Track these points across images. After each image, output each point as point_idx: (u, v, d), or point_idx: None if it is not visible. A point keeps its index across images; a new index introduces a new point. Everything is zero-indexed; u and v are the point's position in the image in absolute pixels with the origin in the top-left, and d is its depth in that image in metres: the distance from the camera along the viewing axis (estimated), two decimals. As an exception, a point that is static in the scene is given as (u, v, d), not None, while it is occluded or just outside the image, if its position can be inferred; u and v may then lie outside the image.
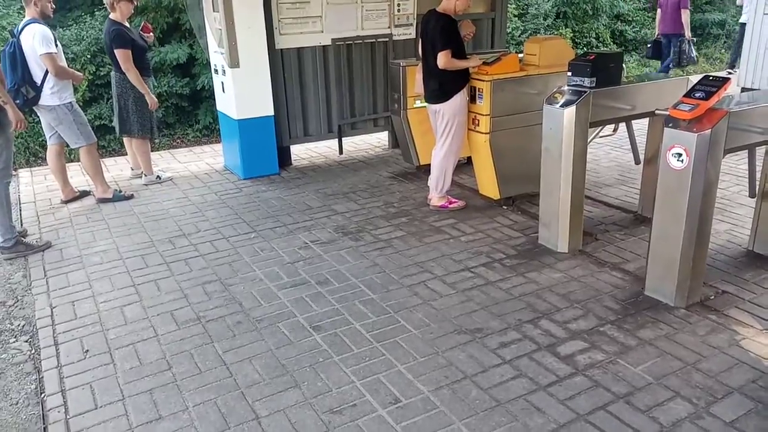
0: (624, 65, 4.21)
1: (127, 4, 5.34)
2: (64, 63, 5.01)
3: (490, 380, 2.80)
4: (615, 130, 5.11)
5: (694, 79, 3.51)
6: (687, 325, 3.18)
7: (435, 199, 4.91)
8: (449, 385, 2.77)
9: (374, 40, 6.16)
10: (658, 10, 9.68)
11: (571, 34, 11.97)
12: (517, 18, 11.25)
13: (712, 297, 3.45)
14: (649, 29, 13.18)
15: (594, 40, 12.26)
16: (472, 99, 4.67)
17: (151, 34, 5.88)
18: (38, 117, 5.37)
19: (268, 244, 4.35)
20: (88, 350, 3.14)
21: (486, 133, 4.65)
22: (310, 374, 2.88)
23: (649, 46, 10.13)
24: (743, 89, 8.09)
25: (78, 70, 5.59)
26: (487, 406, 2.63)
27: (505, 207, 4.90)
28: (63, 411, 2.71)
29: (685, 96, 3.19)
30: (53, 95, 4.87)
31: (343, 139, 6.42)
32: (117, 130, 5.78)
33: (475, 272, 3.83)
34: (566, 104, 3.81)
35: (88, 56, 7.54)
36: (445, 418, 2.57)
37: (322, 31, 5.86)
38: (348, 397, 2.71)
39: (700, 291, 3.41)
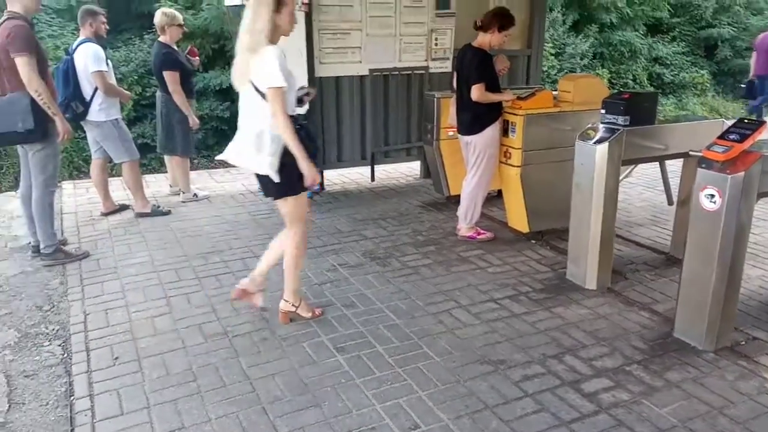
0: (660, 106, 4.22)
1: (177, 29, 5.58)
2: (113, 81, 5.24)
3: (511, 413, 2.78)
4: (629, 173, 5.06)
5: (729, 122, 3.50)
6: (715, 369, 3.12)
7: (464, 229, 4.94)
8: (469, 415, 2.76)
9: (411, 72, 6.28)
10: (754, 53, 9.72)
11: (608, 75, 11.99)
12: (553, 57, 11.33)
13: (743, 342, 3.38)
14: (687, 72, 13.13)
15: (630, 81, 12.26)
16: (505, 132, 4.72)
17: (197, 58, 6.10)
18: (84, 132, 5.60)
19: (297, 265, 4.42)
20: (117, 357, 3.23)
21: (517, 167, 4.68)
22: (332, 394, 2.90)
23: (743, 86, 10.21)
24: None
25: (125, 90, 5.81)
26: (507, 437, 2.62)
27: (533, 241, 4.89)
28: (90, 415, 2.78)
29: (719, 138, 3.18)
30: (101, 111, 5.08)
31: (375, 166, 6.51)
32: (159, 147, 5.97)
33: (501, 304, 3.83)
34: (599, 141, 3.83)
35: (136, 77, 7.85)
36: (464, 446, 2.56)
37: (361, 62, 6.01)
38: (367, 420, 2.73)
39: (730, 336, 3.35)
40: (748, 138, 3.06)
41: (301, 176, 3.17)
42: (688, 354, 3.27)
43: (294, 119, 3.15)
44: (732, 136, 3.11)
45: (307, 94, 3.52)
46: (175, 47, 5.67)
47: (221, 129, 8.35)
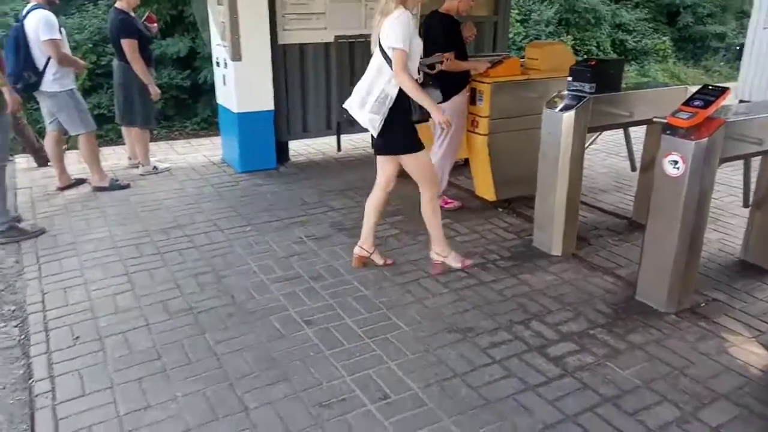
0: (624, 73, 4.23)
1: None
2: (67, 50, 5.01)
3: (479, 379, 2.81)
4: (594, 140, 5.12)
5: (694, 88, 3.53)
6: (677, 331, 3.20)
7: (431, 198, 4.92)
8: (439, 383, 2.78)
9: (376, 39, 6.16)
10: None
11: (572, 42, 12.02)
12: (519, 23, 11.29)
13: (703, 304, 3.47)
14: (649, 39, 13.24)
15: (594, 48, 12.32)
16: (472, 101, 4.69)
17: (156, 24, 5.88)
18: (37, 104, 5.36)
19: (262, 237, 4.36)
20: (78, 337, 3.14)
21: (485, 135, 4.66)
22: (301, 368, 2.88)
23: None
24: (741, 101, 8.14)
25: (80, 59, 5.58)
26: (476, 404, 2.64)
27: (500, 209, 4.91)
28: (50, 397, 2.70)
29: (683, 104, 3.21)
30: (55, 82, 4.87)
31: (341, 136, 6.42)
32: (118, 119, 5.77)
33: (469, 272, 3.84)
34: (566, 108, 3.83)
35: (90, 45, 7.55)
36: (434, 415, 2.58)
37: (326, 28, 5.87)
38: (337, 392, 2.72)
39: (690, 298, 3.43)
40: (711, 104, 3.09)
41: (409, 134, 3.45)
42: (650, 317, 3.34)
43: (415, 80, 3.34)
44: (696, 103, 3.13)
45: (441, 62, 3.97)
46: (132, 13, 5.44)
47: (181, 98, 8.13)
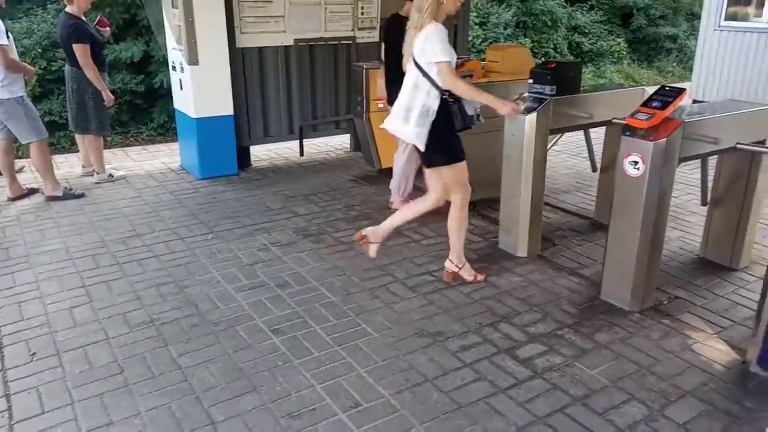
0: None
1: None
2: (15, 56, 4.83)
3: (450, 383, 2.79)
4: (556, 142, 5.20)
5: (650, 89, 3.60)
6: (641, 329, 3.25)
7: (397, 202, 4.90)
8: (410, 389, 2.75)
9: (337, 42, 6.14)
10: None
11: (531, 44, 12.20)
12: (477, 26, 11.40)
13: (665, 302, 3.54)
14: (604, 41, 13.54)
15: (552, 50, 12.54)
16: (435, 103, 4.68)
17: (108, 28, 5.72)
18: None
19: (226, 245, 4.27)
20: (35, 353, 3.01)
21: (448, 138, 4.66)
22: (269, 378, 2.82)
23: None
24: (694, 101, 8.38)
25: (29, 65, 5.38)
26: (448, 409, 2.63)
27: (465, 211, 4.92)
28: (7, 416, 2.58)
29: (642, 105, 3.26)
30: (3, 89, 4.69)
31: (304, 140, 6.37)
32: (71, 126, 5.59)
33: (436, 276, 3.84)
34: (527, 111, 3.86)
35: (39, 50, 7.30)
36: (406, 421, 2.55)
37: (285, 32, 5.81)
38: (307, 401, 2.67)
39: (653, 296, 3.50)
40: (669, 105, 3.15)
41: (452, 145, 3.43)
42: (615, 315, 3.39)
43: (450, 93, 3.34)
44: (654, 104, 3.19)
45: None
46: (84, 18, 5.28)
47: (136, 104, 7.93)
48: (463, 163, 3.52)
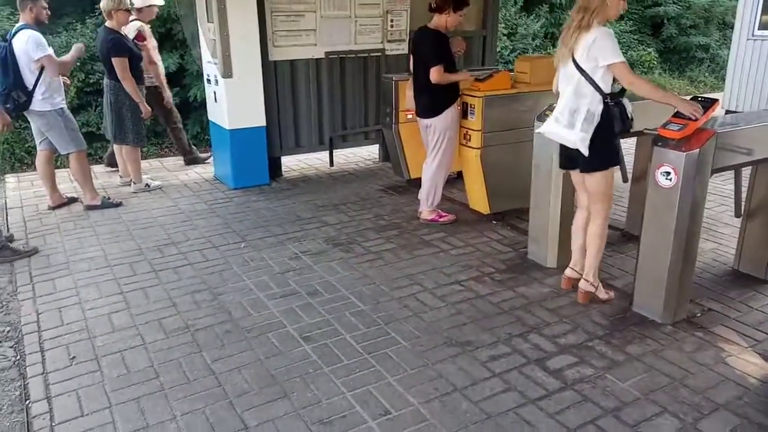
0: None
1: (125, 14, 5.36)
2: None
3: (480, 393, 2.80)
4: None
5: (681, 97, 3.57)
6: (674, 342, 3.22)
7: (425, 212, 4.94)
8: (439, 398, 2.77)
9: (367, 55, 6.21)
10: None
11: (560, 54, 12.13)
12: (506, 37, 11.40)
13: (699, 314, 3.49)
14: (635, 51, 13.41)
15: (582, 60, 12.44)
16: (464, 114, 4.72)
17: (146, 42, 5.88)
18: (26, 123, 5.34)
19: (258, 254, 4.34)
20: (74, 357, 3.11)
21: (477, 149, 4.69)
22: (300, 385, 2.87)
23: None
24: (727, 111, 8.25)
25: (68, 78, 5.57)
26: (477, 418, 2.63)
27: (495, 222, 4.93)
28: (48, 418, 2.67)
29: (674, 116, 3.25)
30: (44, 101, 4.85)
31: (334, 151, 6.45)
32: (111, 137, 5.76)
33: (465, 285, 3.85)
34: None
35: (78, 63, 7.50)
36: (435, 430, 2.57)
37: (316, 44, 5.90)
38: (338, 408, 2.70)
39: (686, 308, 3.46)
40: (702, 116, 3.13)
41: (611, 151, 3.38)
42: (647, 327, 3.36)
43: (612, 95, 3.30)
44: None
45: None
46: (122, 32, 5.45)
47: (172, 116, 8.09)
48: (613, 172, 3.47)
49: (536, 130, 3.60)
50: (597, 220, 3.54)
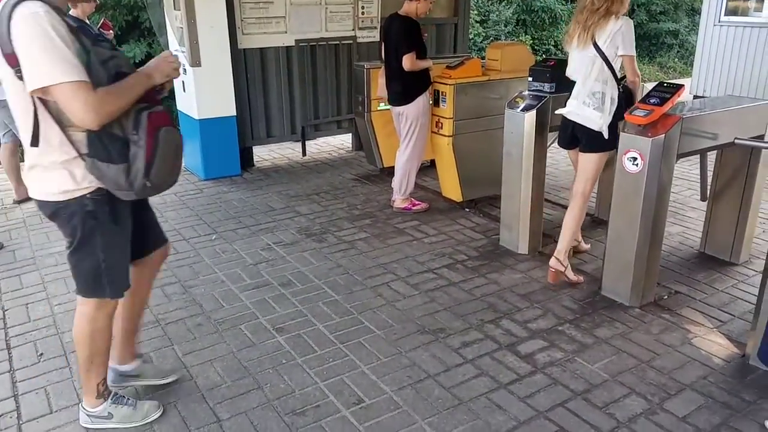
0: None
1: (89, 3, 5.21)
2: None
3: (452, 379, 2.83)
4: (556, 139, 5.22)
5: (649, 86, 3.62)
6: (641, 324, 3.28)
7: (398, 201, 4.94)
8: (412, 385, 2.79)
9: (338, 42, 6.17)
10: None
11: (531, 42, 12.21)
12: (478, 24, 11.42)
13: (666, 297, 3.56)
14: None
15: (553, 47, 12.54)
16: (436, 102, 4.72)
17: (111, 31, 5.76)
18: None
19: (229, 245, 4.31)
20: (42, 353, 3.05)
21: (449, 137, 4.70)
22: (273, 376, 2.86)
23: None
24: (695, 97, 8.39)
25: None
26: (450, 404, 2.66)
27: (467, 209, 4.96)
28: (15, 416, 2.62)
29: (640, 102, 3.29)
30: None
31: (306, 141, 6.41)
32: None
33: (438, 273, 3.87)
34: (527, 108, 3.89)
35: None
36: (409, 417, 2.59)
37: (286, 32, 5.84)
38: (311, 398, 2.70)
39: (653, 291, 3.52)
40: (667, 101, 3.17)
41: (614, 134, 3.41)
42: (615, 311, 3.42)
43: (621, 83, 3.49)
44: (652, 100, 3.21)
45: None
46: (87, 21, 5.31)
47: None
48: (607, 153, 3.57)
49: (557, 112, 3.67)
50: (578, 200, 3.65)
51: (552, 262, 3.68)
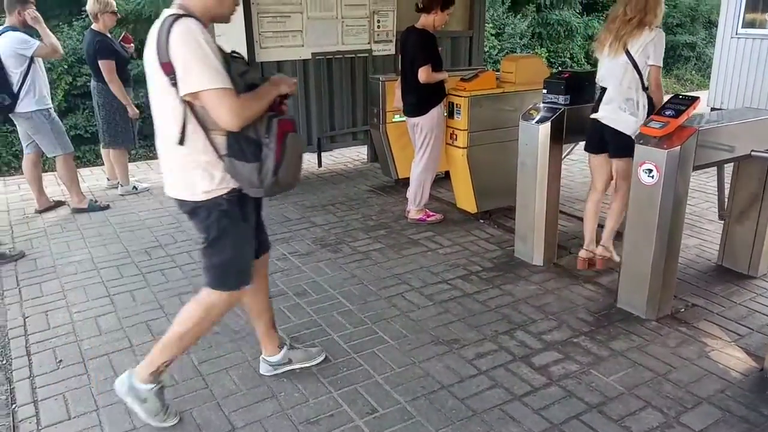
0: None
1: (111, 16, 5.36)
2: (43, 72, 4.99)
3: (466, 390, 2.83)
4: (571, 151, 5.23)
5: (666, 98, 3.62)
6: (658, 337, 3.25)
7: (413, 212, 4.96)
8: (426, 396, 2.79)
9: (354, 56, 6.23)
10: None
11: (546, 54, 12.22)
12: (494, 37, 11.45)
13: (682, 310, 3.53)
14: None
15: (568, 59, 12.54)
16: (450, 114, 4.75)
17: (132, 45, 5.87)
18: (13, 126, 5.32)
19: (245, 255, 4.34)
20: (61, 360, 3.10)
21: (463, 148, 4.72)
22: (287, 385, 2.88)
23: None
24: (712, 109, 8.33)
25: (54, 80, 5.55)
26: (464, 415, 2.66)
27: (481, 220, 4.96)
28: (35, 422, 2.67)
29: (656, 114, 3.29)
30: (30, 101, 4.82)
31: (322, 152, 6.46)
32: (100, 139, 5.74)
33: (452, 284, 3.87)
34: (541, 120, 3.90)
35: (66, 66, 7.49)
36: (422, 428, 2.59)
37: (303, 45, 5.91)
38: (325, 408, 2.72)
39: (670, 304, 3.50)
40: (683, 113, 3.17)
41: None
42: (631, 323, 3.39)
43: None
44: (668, 112, 3.21)
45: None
46: (109, 35, 5.44)
47: (160, 118, 8.08)
48: None
49: (593, 116, 3.75)
50: (622, 198, 3.79)
51: (599, 249, 4.00)
